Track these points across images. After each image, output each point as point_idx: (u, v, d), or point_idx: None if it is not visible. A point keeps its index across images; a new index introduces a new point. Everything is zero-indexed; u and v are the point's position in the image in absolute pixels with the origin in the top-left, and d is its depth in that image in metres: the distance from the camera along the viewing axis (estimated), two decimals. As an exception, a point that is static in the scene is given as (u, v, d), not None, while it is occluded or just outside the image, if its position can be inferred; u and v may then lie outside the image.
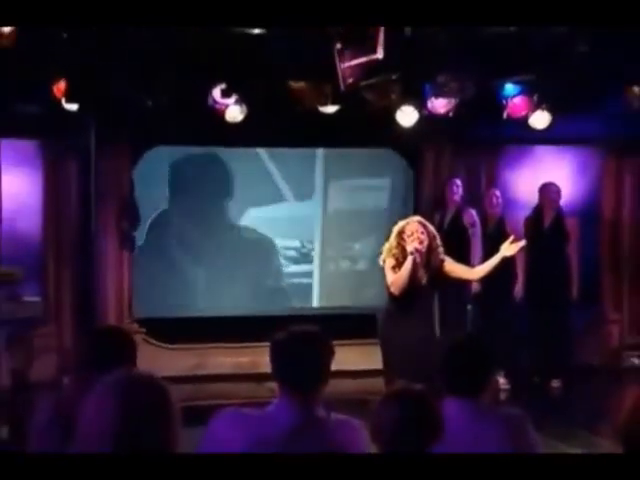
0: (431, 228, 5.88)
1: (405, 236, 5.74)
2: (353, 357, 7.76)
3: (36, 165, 8.43)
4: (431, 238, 5.79)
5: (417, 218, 5.95)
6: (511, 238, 5.98)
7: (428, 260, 5.78)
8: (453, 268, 5.89)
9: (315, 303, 9.29)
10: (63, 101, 6.91)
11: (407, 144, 8.79)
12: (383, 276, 5.85)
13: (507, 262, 6.09)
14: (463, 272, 6.05)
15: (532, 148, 9.23)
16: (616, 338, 9.40)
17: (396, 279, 5.73)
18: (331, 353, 2.98)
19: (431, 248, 5.78)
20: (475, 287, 8.00)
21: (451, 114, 7.18)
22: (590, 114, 7.84)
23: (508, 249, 5.88)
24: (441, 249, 5.83)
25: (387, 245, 5.84)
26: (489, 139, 8.90)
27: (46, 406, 3.23)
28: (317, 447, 2.81)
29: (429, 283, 5.83)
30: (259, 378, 7.50)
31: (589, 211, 9.26)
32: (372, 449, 2.79)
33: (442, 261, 5.83)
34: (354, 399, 7.04)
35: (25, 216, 8.37)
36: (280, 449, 2.78)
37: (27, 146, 8.38)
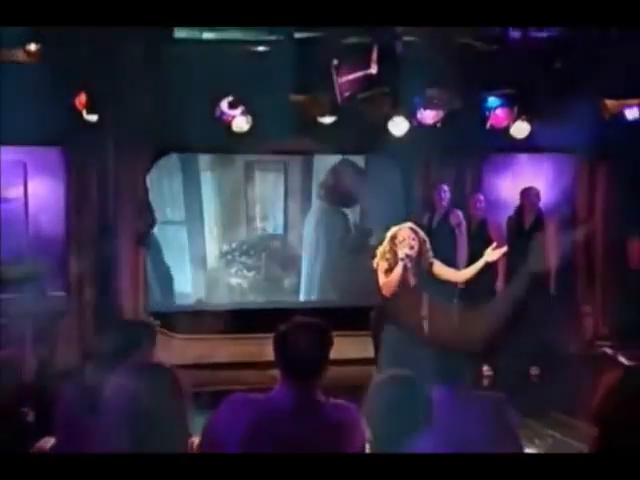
0: (421, 234, 5.85)
1: (397, 241, 5.72)
2: (351, 347, 7.73)
3: (59, 170, 8.43)
4: (421, 243, 5.76)
5: (409, 224, 5.91)
6: (494, 244, 5.96)
7: (418, 263, 5.75)
8: (441, 271, 5.86)
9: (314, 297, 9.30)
10: (84, 112, 6.93)
11: (398, 152, 8.78)
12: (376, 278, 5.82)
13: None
14: (450, 274, 6.02)
15: (513, 156, 9.24)
16: (589, 329, 9.41)
17: (388, 282, 5.71)
18: (330, 343, 2.98)
19: (421, 252, 5.75)
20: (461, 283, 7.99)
21: (439, 124, 7.19)
22: (566, 125, 7.84)
23: (491, 255, 5.86)
24: (430, 253, 5.81)
25: (380, 249, 5.81)
26: (474, 147, 8.89)
27: (69, 393, 3.23)
28: (315, 428, 2.81)
29: (418, 284, 5.81)
30: (261, 366, 7.49)
31: (565, 213, 9.25)
32: (367, 431, 2.80)
33: (431, 264, 5.81)
34: (351, 385, 7.01)
35: (49, 217, 8.37)
36: (281, 429, 2.78)
37: (52, 153, 8.38)
